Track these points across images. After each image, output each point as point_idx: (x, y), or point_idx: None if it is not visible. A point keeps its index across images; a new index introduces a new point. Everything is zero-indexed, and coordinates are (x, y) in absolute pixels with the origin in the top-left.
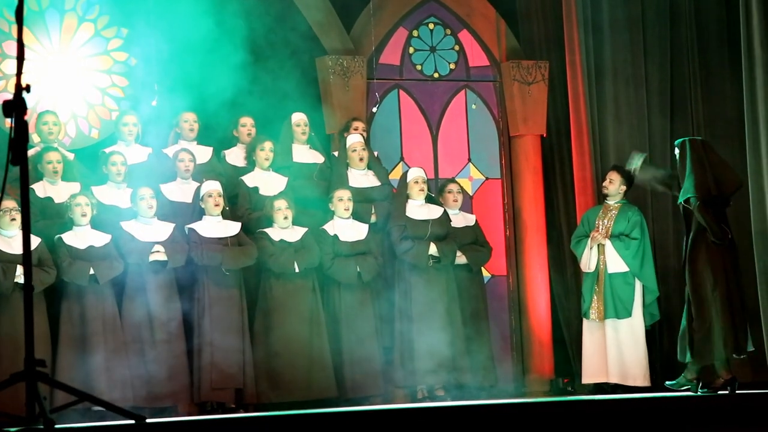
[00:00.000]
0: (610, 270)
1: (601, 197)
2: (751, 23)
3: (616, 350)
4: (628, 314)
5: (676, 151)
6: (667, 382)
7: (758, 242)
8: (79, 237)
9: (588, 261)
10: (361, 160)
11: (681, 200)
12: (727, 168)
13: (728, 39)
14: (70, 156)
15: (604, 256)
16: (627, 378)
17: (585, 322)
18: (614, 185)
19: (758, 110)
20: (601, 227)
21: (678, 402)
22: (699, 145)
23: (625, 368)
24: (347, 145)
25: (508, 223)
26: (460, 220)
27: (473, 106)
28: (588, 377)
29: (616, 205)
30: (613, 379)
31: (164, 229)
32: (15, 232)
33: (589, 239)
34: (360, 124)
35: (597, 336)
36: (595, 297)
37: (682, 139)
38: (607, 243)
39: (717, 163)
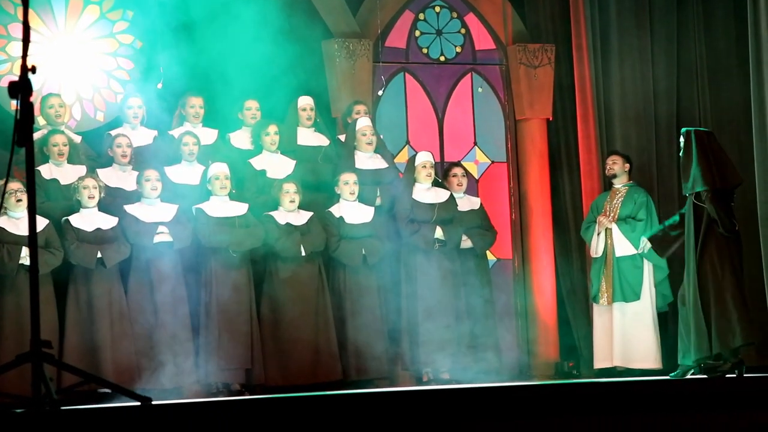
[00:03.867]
0: (618, 254)
1: (607, 183)
2: (758, 5)
3: (622, 334)
4: (637, 297)
5: (681, 140)
6: (671, 375)
7: (765, 227)
8: (86, 219)
9: (596, 246)
10: (369, 144)
11: (688, 192)
12: (729, 163)
13: (735, 22)
14: (77, 138)
15: (611, 240)
16: (634, 361)
17: (594, 306)
18: (618, 165)
19: (764, 93)
20: (608, 211)
21: (684, 385)
22: (704, 137)
23: (632, 351)
24: (357, 128)
25: (514, 207)
26: (465, 203)
27: (479, 90)
28: (600, 362)
29: (623, 188)
30: (618, 363)
31: (168, 211)
32: (22, 213)
33: (597, 224)
34: (362, 108)
35: (606, 320)
36: (604, 281)
37: (687, 129)
38: (614, 227)
39: (720, 157)
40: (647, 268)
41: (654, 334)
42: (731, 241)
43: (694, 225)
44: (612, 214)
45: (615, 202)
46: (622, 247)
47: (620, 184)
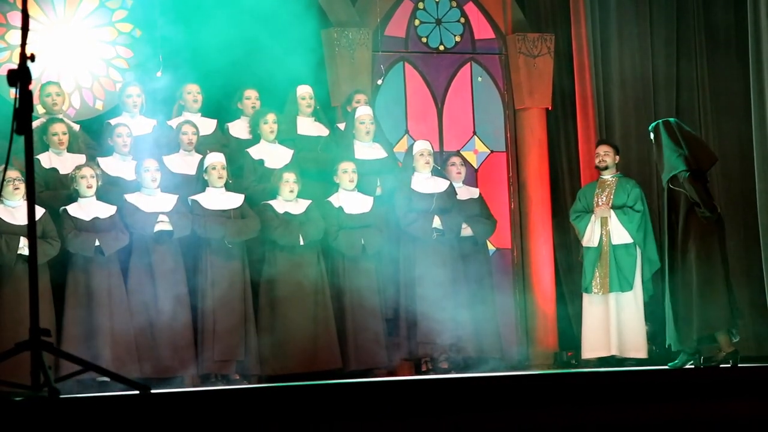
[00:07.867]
0: (614, 241)
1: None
2: None
3: (618, 323)
4: (630, 287)
5: (651, 136)
6: (669, 364)
7: (764, 215)
8: (84, 208)
9: (591, 235)
10: (367, 133)
11: (667, 178)
12: (701, 144)
13: (735, 10)
14: (76, 127)
15: (607, 227)
16: (629, 350)
17: (585, 296)
18: (610, 156)
19: (764, 83)
20: (600, 203)
21: (681, 374)
22: (672, 125)
23: (626, 341)
24: (356, 117)
25: (513, 196)
26: (464, 193)
27: (479, 79)
28: (589, 352)
29: (612, 179)
30: (615, 352)
31: (168, 201)
32: (18, 202)
33: (593, 214)
34: (363, 97)
35: (599, 310)
36: (598, 271)
37: (655, 123)
38: (611, 214)
39: (691, 140)
40: (639, 258)
41: (643, 324)
42: (714, 224)
43: (671, 214)
44: (605, 204)
45: (607, 192)
46: (619, 235)
47: (609, 174)
